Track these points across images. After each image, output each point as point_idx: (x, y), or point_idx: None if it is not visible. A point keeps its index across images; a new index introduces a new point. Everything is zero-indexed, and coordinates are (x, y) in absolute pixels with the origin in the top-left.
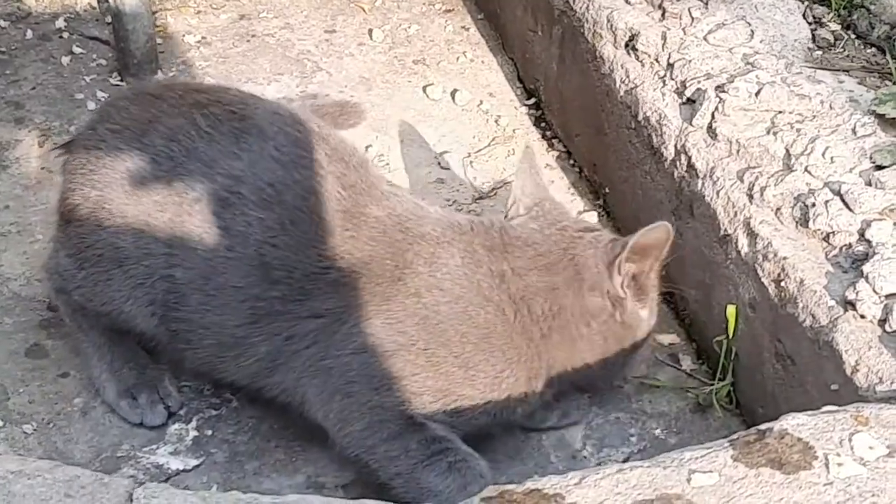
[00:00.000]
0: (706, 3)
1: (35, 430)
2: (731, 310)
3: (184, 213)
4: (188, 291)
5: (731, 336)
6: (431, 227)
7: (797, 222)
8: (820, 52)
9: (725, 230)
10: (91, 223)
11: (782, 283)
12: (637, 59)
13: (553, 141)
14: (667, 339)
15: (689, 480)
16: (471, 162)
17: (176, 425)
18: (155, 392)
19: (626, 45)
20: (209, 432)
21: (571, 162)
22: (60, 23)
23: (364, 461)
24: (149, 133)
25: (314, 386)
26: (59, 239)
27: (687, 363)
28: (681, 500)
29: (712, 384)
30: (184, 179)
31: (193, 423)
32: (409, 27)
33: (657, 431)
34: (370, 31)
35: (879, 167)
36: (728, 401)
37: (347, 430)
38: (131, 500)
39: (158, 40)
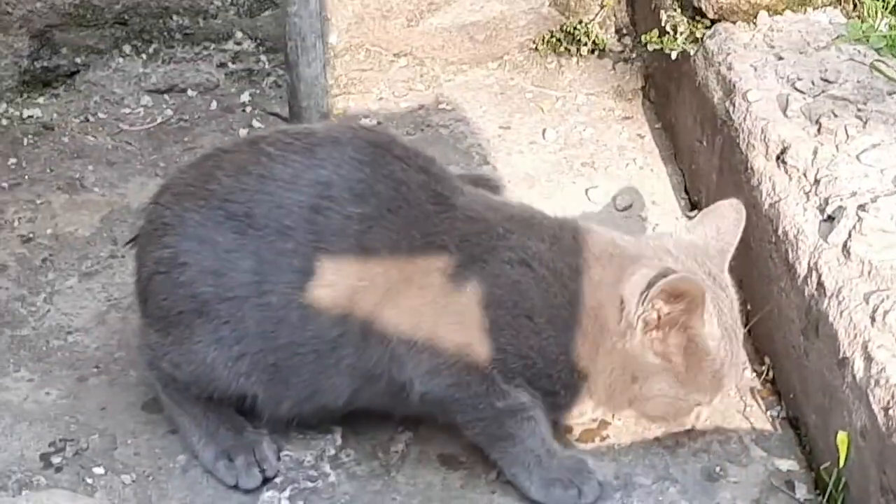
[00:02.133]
0: (865, 122)
1: (134, 481)
2: (842, 437)
3: (273, 233)
4: (286, 313)
5: (841, 465)
6: (518, 210)
7: None
8: None
9: (844, 353)
10: (167, 284)
11: (890, 412)
12: (785, 172)
13: None
14: (785, 464)
15: None
16: None
17: (269, 492)
18: (252, 455)
19: (777, 158)
20: None
21: None
22: (245, 97)
23: (446, 408)
24: (213, 178)
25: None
26: (144, 320)
27: (802, 492)
28: None
29: None
30: (264, 204)
31: (287, 493)
32: (584, 130)
33: None
34: (544, 130)
35: None
36: None
37: (435, 381)
38: None
39: (335, 121)
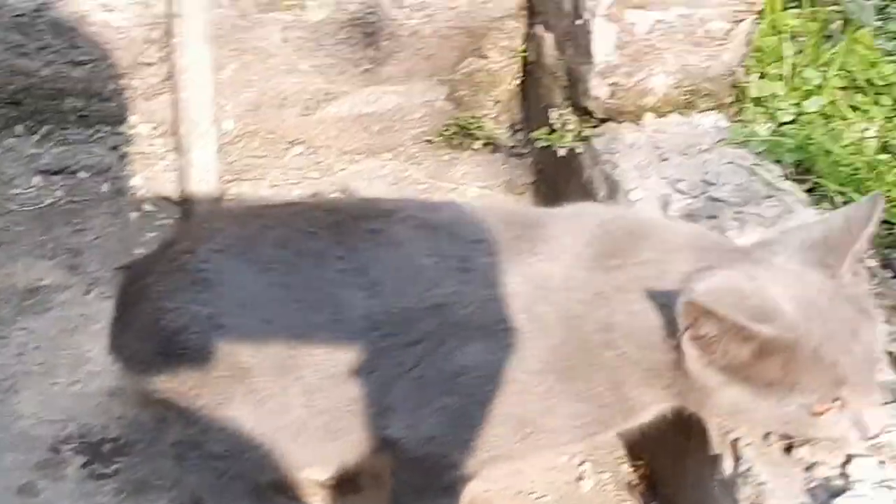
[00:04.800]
0: (742, 225)
1: None
2: None
3: (305, 308)
4: (324, 385)
5: None
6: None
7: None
8: None
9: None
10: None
11: None
12: None
13: None
14: None
15: None
16: None
17: None
18: None
19: None
20: None
21: None
22: (138, 180)
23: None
24: (257, 246)
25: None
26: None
27: None
28: None
29: None
30: (298, 277)
31: None
32: None
33: None
34: None
35: None
36: None
37: None
38: None
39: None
